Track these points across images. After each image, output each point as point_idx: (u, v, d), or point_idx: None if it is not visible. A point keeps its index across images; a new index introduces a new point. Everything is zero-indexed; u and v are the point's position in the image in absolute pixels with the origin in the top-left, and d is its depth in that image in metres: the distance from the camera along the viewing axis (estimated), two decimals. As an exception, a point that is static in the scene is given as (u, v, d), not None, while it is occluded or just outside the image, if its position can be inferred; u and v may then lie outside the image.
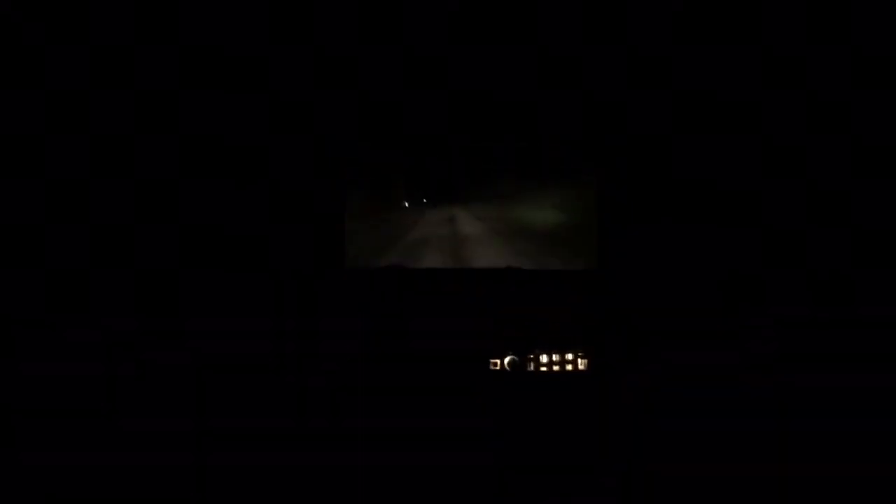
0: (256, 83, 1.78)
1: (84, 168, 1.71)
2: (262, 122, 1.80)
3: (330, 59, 1.78)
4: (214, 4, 1.72)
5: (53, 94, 1.67)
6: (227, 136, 1.79)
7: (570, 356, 1.89)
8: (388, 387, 1.81)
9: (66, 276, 1.72)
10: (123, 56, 1.71)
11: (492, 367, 1.88)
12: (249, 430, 1.70)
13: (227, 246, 1.81)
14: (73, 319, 1.72)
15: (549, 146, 1.93)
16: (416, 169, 1.94)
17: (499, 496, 1.75)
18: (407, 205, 1.97)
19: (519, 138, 1.91)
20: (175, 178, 1.77)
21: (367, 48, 1.76)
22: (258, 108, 1.79)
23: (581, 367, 1.89)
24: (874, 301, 1.72)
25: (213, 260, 1.80)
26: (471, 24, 1.76)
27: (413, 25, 1.75)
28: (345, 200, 1.90)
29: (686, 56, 1.76)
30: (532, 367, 1.89)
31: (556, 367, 1.89)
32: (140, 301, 1.76)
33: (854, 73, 1.73)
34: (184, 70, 1.74)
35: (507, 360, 1.88)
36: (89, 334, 1.71)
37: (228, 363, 1.73)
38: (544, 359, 1.89)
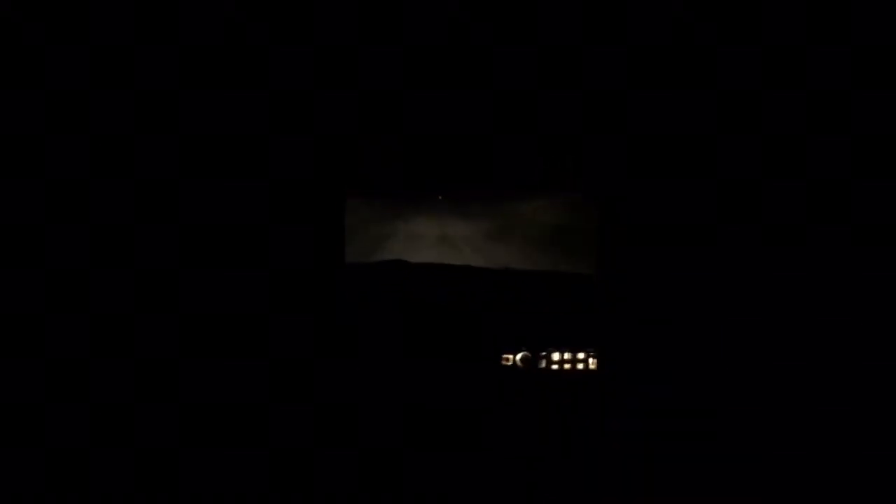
0: (256, 83, 1.77)
1: (84, 168, 1.70)
2: (261, 121, 1.78)
3: (330, 59, 1.77)
4: (214, 4, 1.72)
5: (53, 94, 1.67)
6: (227, 136, 1.77)
7: (581, 355, 1.85)
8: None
9: (66, 276, 1.70)
10: (123, 56, 1.70)
11: (504, 364, 1.84)
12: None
13: (227, 245, 1.78)
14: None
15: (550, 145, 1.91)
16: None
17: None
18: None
19: (520, 137, 1.89)
20: (175, 178, 1.75)
21: (367, 47, 1.75)
22: (258, 108, 1.78)
23: (592, 366, 1.84)
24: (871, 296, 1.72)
25: (213, 259, 1.77)
26: (470, 23, 1.75)
27: (413, 25, 1.74)
28: (345, 197, 1.88)
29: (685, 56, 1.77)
30: (544, 365, 1.84)
31: (567, 366, 1.84)
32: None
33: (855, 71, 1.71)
34: (184, 70, 1.73)
35: (519, 356, 1.84)
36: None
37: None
38: (556, 356, 1.84)
